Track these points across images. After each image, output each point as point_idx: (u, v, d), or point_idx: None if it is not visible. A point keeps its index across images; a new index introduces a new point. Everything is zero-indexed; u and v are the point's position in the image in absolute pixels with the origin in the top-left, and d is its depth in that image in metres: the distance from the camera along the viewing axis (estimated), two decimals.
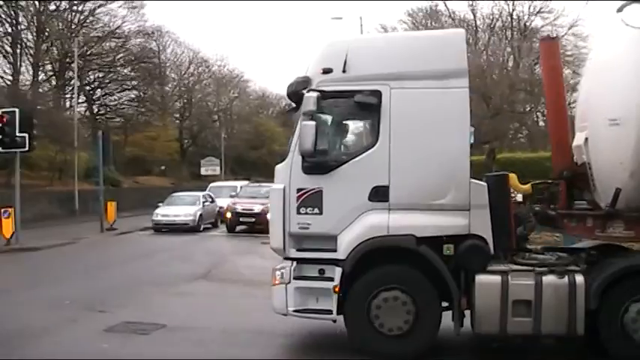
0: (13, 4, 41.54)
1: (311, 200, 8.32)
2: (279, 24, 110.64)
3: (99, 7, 47.89)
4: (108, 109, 54.53)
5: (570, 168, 8.96)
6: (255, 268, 14.89)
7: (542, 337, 8.29)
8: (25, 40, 43.84)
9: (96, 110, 53.03)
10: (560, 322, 8.05)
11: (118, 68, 52.50)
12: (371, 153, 8.32)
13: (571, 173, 8.92)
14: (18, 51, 43.33)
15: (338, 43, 8.70)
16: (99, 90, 53.28)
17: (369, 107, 8.31)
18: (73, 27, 47.87)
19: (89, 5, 47.59)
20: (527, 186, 9.45)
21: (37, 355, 8.53)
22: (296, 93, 8.41)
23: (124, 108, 54.91)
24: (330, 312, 8.30)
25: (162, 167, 58.05)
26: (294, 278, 8.38)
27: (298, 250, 8.47)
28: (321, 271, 8.36)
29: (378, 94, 8.28)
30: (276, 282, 8.45)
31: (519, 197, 9.53)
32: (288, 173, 8.42)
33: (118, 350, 8.83)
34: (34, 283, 14.35)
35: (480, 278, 8.13)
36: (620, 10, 8.49)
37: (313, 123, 8.05)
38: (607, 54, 8.64)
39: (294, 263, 8.42)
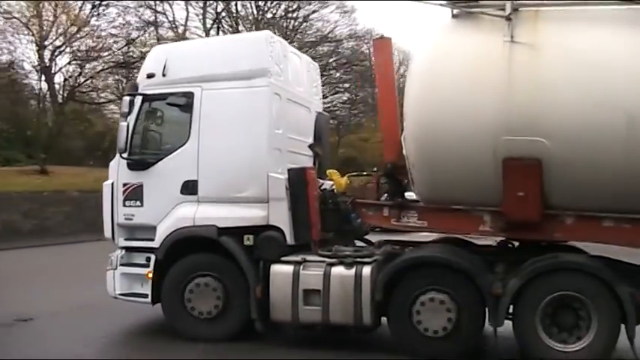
0: (234, 15, 44.77)
1: (134, 194, 9.17)
2: None
3: (312, 13, 49.42)
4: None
5: (395, 162, 9.03)
6: None
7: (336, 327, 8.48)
8: None
9: None
10: (347, 312, 8.23)
11: (331, 72, 53.03)
12: (183, 150, 9.02)
13: (393, 166, 8.99)
14: None
15: (160, 49, 9.56)
16: None
17: (183, 107, 9.03)
18: (288, 33, 49.05)
19: (303, 12, 49.23)
20: (344, 179, 9.61)
21: None
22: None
23: (336, 110, 55.76)
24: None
25: (374, 169, 59.20)
26: (121, 265, 9.27)
27: (126, 239, 9.35)
28: (148, 259, 9.14)
29: (190, 95, 8.98)
30: (108, 268, 9.39)
31: None
32: (116, 169, 9.33)
33: None
34: None
35: (274, 267, 8.51)
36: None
37: (125, 124, 8.91)
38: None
39: (123, 251, 9.32)
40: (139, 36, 35.59)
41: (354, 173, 10.11)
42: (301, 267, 8.45)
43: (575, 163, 7.53)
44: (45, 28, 31.05)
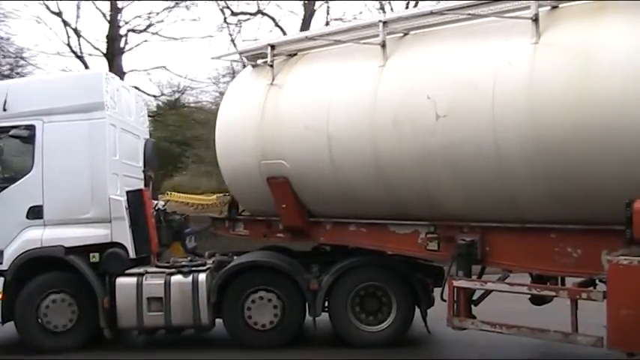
0: None
1: None
2: None
3: None
4: None
5: None
6: None
7: (177, 328, 9.67)
8: None
9: None
10: (187, 315, 9.40)
11: None
12: (27, 178, 9.79)
13: None
14: None
15: (1, 85, 10.19)
16: None
17: (25, 139, 9.79)
18: None
19: None
20: (214, 197, 10.84)
21: None
22: None
23: None
24: None
25: None
26: None
27: None
28: None
29: (32, 127, 9.76)
30: None
31: None
32: None
33: None
34: None
35: (119, 280, 9.51)
36: None
37: None
38: None
39: None
40: None
41: (222, 194, 11.40)
42: (144, 278, 9.52)
43: (306, 179, 9.21)
44: None
